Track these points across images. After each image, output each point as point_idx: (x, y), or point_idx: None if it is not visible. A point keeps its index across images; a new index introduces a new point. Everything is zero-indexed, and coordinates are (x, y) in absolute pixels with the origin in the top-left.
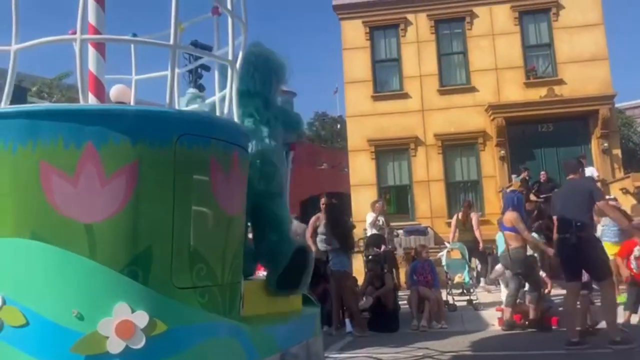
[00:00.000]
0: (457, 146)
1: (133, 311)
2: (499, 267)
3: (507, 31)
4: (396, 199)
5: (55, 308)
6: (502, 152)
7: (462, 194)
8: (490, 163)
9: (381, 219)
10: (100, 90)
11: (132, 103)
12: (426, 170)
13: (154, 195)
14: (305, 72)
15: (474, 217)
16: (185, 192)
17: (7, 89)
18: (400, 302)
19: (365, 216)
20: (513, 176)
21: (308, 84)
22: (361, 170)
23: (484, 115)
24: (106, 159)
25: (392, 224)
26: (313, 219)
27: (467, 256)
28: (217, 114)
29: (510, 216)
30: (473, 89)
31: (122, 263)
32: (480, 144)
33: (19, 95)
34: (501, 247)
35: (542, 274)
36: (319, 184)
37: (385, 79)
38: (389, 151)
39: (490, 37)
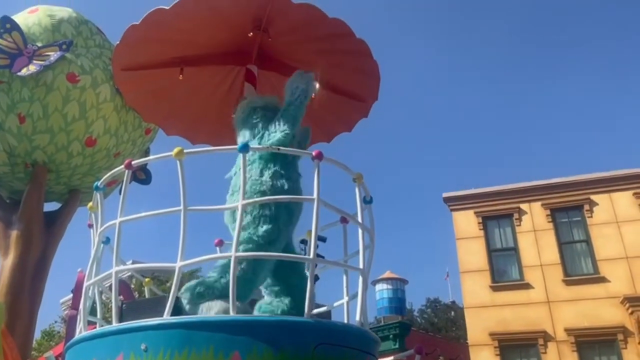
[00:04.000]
0: (594, 343)
1: None
2: None
3: (633, 218)
4: None
5: None
6: None
7: None
8: None
9: None
10: None
11: None
12: None
13: None
14: (414, 259)
15: None
16: None
17: (170, 303)
18: None
19: None
20: None
21: (417, 269)
22: None
23: (621, 308)
24: None
25: None
26: None
27: None
28: (345, 320)
29: None
30: (603, 279)
31: None
32: (621, 340)
33: (177, 306)
34: None
35: None
36: None
37: (504, 268)
38: (515, 346)
39: (615, 224)
